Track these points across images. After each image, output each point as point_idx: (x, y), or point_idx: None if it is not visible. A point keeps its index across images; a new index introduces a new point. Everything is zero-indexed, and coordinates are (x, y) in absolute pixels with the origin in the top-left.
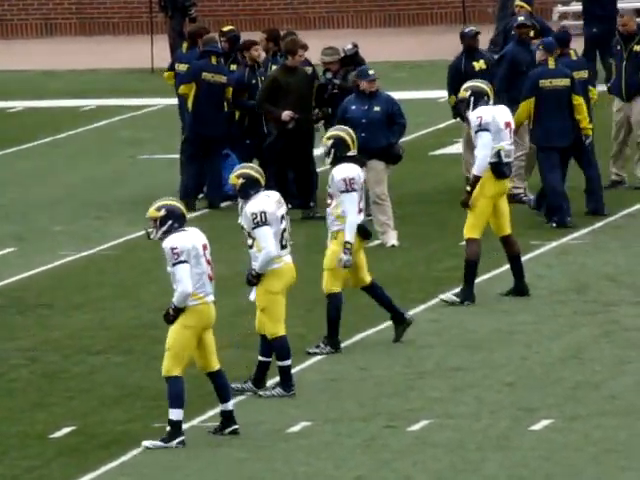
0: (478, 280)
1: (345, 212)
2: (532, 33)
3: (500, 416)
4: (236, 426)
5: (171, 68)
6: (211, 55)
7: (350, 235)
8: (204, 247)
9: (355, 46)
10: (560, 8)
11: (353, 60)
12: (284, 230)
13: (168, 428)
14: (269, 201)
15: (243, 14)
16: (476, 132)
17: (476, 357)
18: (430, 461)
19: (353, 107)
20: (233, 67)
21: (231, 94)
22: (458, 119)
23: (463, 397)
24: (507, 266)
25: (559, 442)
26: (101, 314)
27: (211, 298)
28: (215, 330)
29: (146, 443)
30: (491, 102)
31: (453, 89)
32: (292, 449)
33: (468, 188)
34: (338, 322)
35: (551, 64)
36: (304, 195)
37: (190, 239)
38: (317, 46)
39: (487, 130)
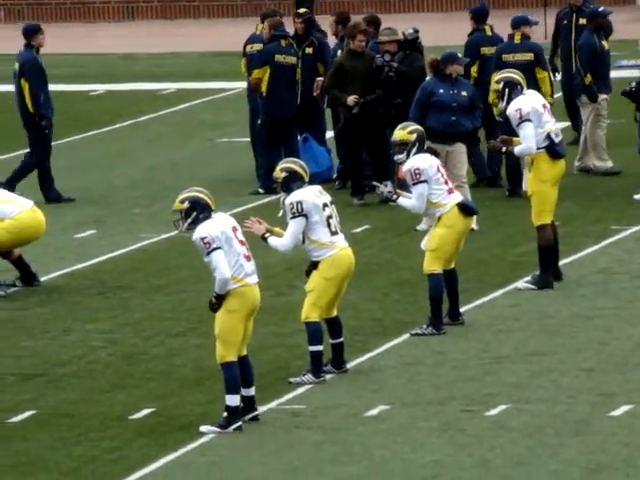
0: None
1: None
2: (585, 21)
3: (578, 401)
4: (257, 412)
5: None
6: (280, 38)
7: (408, 203)
8: (234, 229)
9: (416, 31)
10: None
11: (412, 45)
12: (329, 217)
13: (225, 414)
14: (308, 191)
15: None
16: (518, 125)
17: (554, 342)
18: (507, 446)
19: (441, 90)
20: (308, 50)
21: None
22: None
23: (541, 382)
24: (587, 250)
25: (639, 427)
26: (181, 296)
27: (253, 279)
28: (291, 314)
29: (203, 428)
30: (525, 90)
31: (589, 68)
32: (369, 432)
33: (504, 149)
34: (440, 303)
35: (517, 39)
36: (380, 177)
37: (218, 225)
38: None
39: (529, 120)
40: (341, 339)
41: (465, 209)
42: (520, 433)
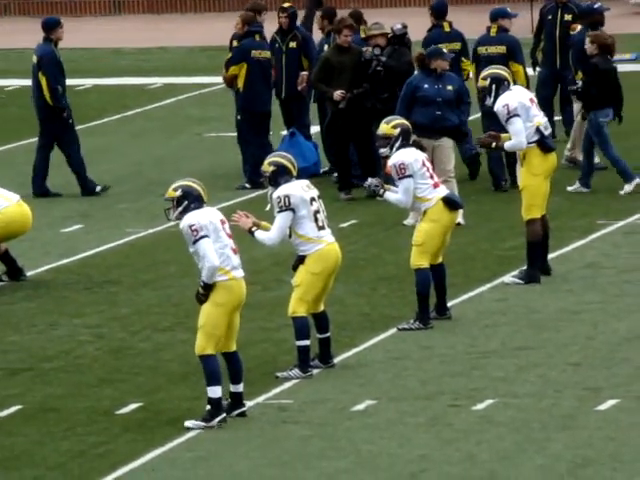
0: None
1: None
2: (570, 17)
3: (565, 396)
4: (244, 408)
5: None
6: (255, 34)
7: (394, 197)
8: (222, 222)
9: (405, 26)
10: None
11: (401, 40)
12: (317, 212)
13: (208, 407)
14: (295, 185)
15: None
16: (507, 120)
17: (541, 336)
18: (494, 440)
19: (426, 85)
20: (292, 44)
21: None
22: None
23: (528, 376)
24: (574, 245)
25: (625, 422)
26: (168, 291)
27: (240, 273)
28: (278, 309)
29: (188, 423)
30: (511, 86)
31: (581, 65)
32: (356, 427)
33: (493, 144)
34: (427, 298)
35: (493, 32)
36: (368, 173)
37: (206, 215)
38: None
39: (517, 115)
40: (328, 334)
41: (450, 203)
42: (507, 427)
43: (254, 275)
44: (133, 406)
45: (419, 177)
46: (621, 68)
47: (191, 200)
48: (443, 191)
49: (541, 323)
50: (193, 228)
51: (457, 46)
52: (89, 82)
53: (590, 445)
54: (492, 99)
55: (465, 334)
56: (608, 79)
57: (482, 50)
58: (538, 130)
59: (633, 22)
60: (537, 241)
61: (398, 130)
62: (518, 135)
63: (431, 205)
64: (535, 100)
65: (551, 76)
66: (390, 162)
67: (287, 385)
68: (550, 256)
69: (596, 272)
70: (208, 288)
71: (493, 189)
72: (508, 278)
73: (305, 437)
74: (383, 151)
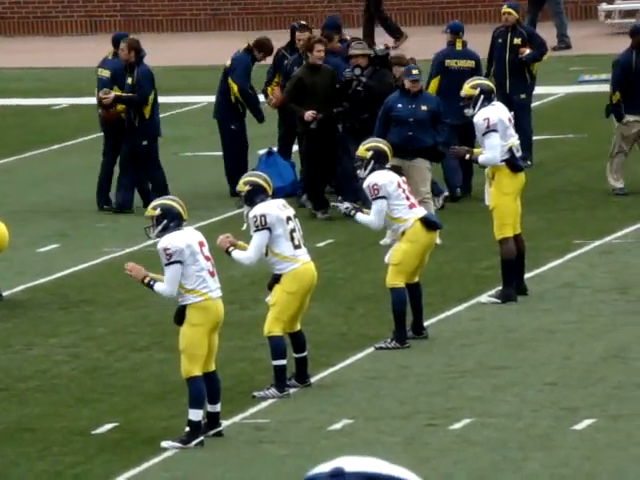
0: None
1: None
2: (520, 41)
3: (542, 415)
4: (220, 428)
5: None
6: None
7: (366, 219)
8: (200, 244)
9: (387, 48)
10: (605, 6)
11: (383, 61)
12: (293, 230)
13: (187, 429)
14: (271, 205)
15: (286, 12)
16: (484, 134)
17: (518, 356)
18: (471, 460)
19: (399, 105)
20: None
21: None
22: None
23: (504, 396)
24: (550, 264)
25: (602, 441)
26: (144, 311)
27: (217, 294)
28: (256, 328)
29: (164, 444)
30: (494, 100)
31: (620, 86)
32: (333, 447)
33: (467, 156)
34: (404, 317)
35: (458, 46)
36: (339, 193)
37: (184, 238)
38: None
39: (495, 131)
40: (304, 353)
41: (428, 224)
42: (483, 447)
43: (231, 294)
44: (109, 426)
45: (394, 198)
46: (598, 88)
47: (170, 219)
48: (421, 212)
49: (517, 342)
50: (167, 252)
51: (470, 64)
52: (65, 102)
53: (567, 464)
54: (476, 110)
55: (442, 353)
56: None
57: (452, 63)
58: (510, 150)
59: (609, 42)
60: (511, 259)
61: (370, 153)
62: (493, 150)
63: (409, 226)
64: (512, 120)
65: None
66: (364, 184)
67: (264, 405)
68: (526, 276)
69: (572, 292)
70: (149, 287)
71: (450, 198)
72: (485, 297)
73: (282, 456)
74: (359, 172)
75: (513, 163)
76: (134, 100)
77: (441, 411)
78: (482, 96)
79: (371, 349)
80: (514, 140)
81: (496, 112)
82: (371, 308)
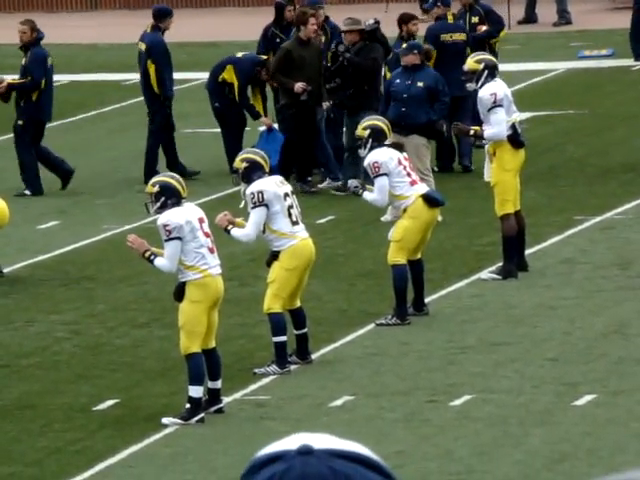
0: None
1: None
2: (477, 19)
3: (542, 391)
4: (222, 404)
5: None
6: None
7: (370, 197)
8: (200, 220)
9: (376, 22)
10: None
11: (373, 36)
12: (290, 207)
13: (187, 405)
14: (269, 181)
15: None
16: (490, 109)
17: (518, 332)
18: (472, 436)
19: (397, 81)
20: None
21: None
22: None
23: (505, 372)
24: (551, 240)
25: (602, 417)
26: (145, 287)
27: (217, 270)
28: (255, 305)
29: (165, 420)
30: (497, 76)
31: None
32: (333, 423)
33: (472, 132)
34: (405, 293)
35: (450, 19)
36: (315, 166)
37: (184, 214)
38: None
39: (501, 106)
40: (305, 330)
41: (430, 200)
42: (484, 423)
43: (231, 271)
44: (110, 402)
45: (395, 175)
46: (598, 63)
47: (168, 196)
48: (422, 188)
49: (518, 319)
50: (166, 228)
51: (462, 37)
52: (65, 78)
53: (567, 440)
54: (479, 85)
55: (442, 330)
56: None
57: (447, 37)
58: (513, 126)
59: (609, 17)
60: (512, 236)
61: (367, 132)
62: (500, 124)
63: (410, 203)
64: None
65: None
66: (365, 162)
67: (265, 381)
68: (527, 252)
69: (573, 268)
70: (149, 261)
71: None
72: (485, 274)
73: (283, 433)
74: (360, 152)
75: (515, 139)
76: (26, 86)
77: (442, 387)
78: (486, 71)
79: (372, 325)
80: (516, 116)
81: (502, 87)
82: (372, 284)
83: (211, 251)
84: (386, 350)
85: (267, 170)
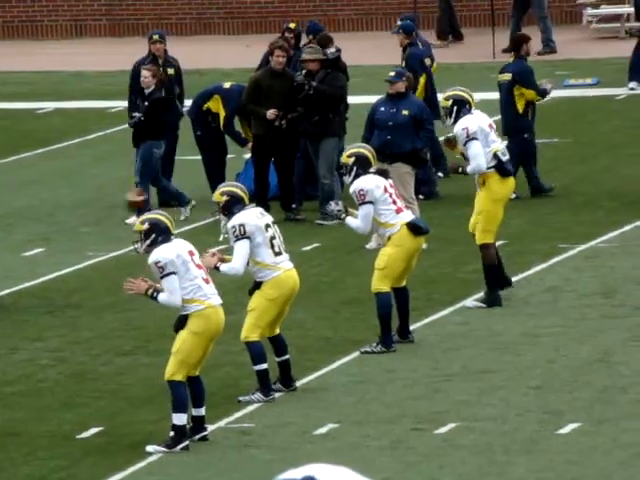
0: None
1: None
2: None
3: (527, 419)
4: (206, 432)
5: None
6: None
7: (354, 224)
8: (190, 253)
9: (338, 50)
10: (590, 11)
11: (334, 64)
12: (272, 238)
13: (172, 433)
14: (249, 214)
15: (272, 16)
16: (465, 143)
17: (503, 360)
18: (457, 464)
19: (382, 109)
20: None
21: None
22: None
23: (490, 400)
24: (535, 269)
25: (587, 446)
26: (129, 315)
27: (217, 300)
28: (241, 332)
29: (149, 448)
30: (473, 110)
31: None
32: (318, 451)
33: (460, 169)
34: (389, 321)
35: (420, 45)
36: (287, 197)
37: (173, 249)
38: (345, 49)
39: (475, 139)
40: (287, 356)
41: (414, 229)
42: (469, 451)
43: None
44: (94, 430)
45: (381, 203)
46: (583, 92)
47: (159, 233)
48: (408, 216)
49: (503, 346)
50: (159, 265)
51: (429, 62)
52: (51, 105)
53: (551, 469)
54: (451, 120)
55: (427, 357)
56: None
57: (428, 62)
58: (495, 156)
59: (594, 47)
60: (493, 264)
61: (352, 159)
62: (476, 158)
63: (395, 231)
64: (494, 126)
65: None
66: (350, 190)
67: (249, 409)
68: (511, 279)
69: (557, 296)
70: (152, 298)
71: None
72: (470, 302)
73: (267, 461)
74: (344, 178)
75: (501, 168)
76: None
77: (427, 415)
78: (455, 107)
79: (356, 353)
80: (497, 145)
81: (474, 120)
82: (356, 312)
83: (206, 282)
84: (371, 378)
85: (247, 202)
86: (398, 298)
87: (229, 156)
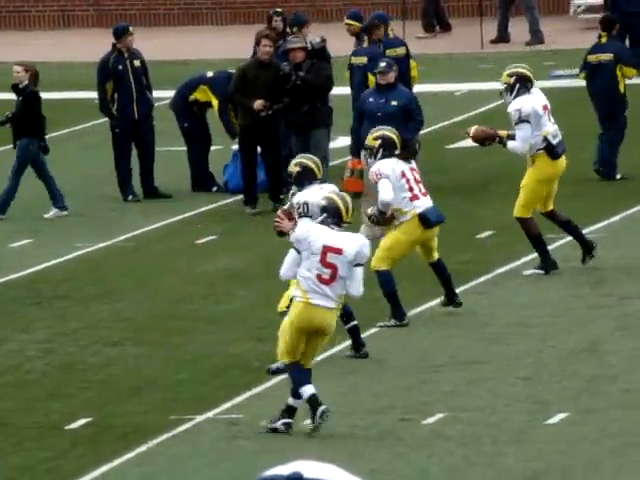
0: (493, 274)
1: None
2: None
3: (515, 409)
4: (323, 407)
5: None
6: None
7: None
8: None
9: (323, 40)
10: (576, 1)
11: (320, 54)
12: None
13: (309, 408)
14: (318, 193)
15: (260, 6)
16: (516, 124)
17: (491, 350)
18: (445, 454)
19: (371, 99)
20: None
21: None
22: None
23: (478, 390)
24: (524, 259)
25: (575, 435)
26: (118, 305)
27: (315, 300)
28: (230, 322)
29: (275, 424)
30: (533, 88)
31: None
32: (306, 442)
33: (497, 138)
34: (395, 294)
35: (391, 34)
36: (275, 187)
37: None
38: (333, 38)
39: (527, 122)
40: (354, 322)
41: (425, 221)
42: (457, 442)
43: (207, 288)
44: (82, 421)
45: (397, 189)
46: (570, 83)
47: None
48: (421, 205)
49: (491, 337)
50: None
51: (402, 51)
52: None
53: (540, 459)
54: (512, 96)
55: (416, 348)
56: None
57: (392, 53)
58: (545, 139)
59: (582, 37)
60: (536, 234)
61: (379, 142)
62: (524, 141)
63: (406, 219)
64: (549, 107)
65: None
66: (370, 170)
67: (238, 400)
68: (499, 270)
69: (546, 286)
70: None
71: None
72: (528, 271)
73: (255, 452)
74: (369, 161)
75: (550, 151)
76: None
77: (415, 405)
78: (518, 84)
79: (345, 344)
80: (548, 128)
81: (530, 102)
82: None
83: (321, 280)
84: (360, 368)
85: (319, 176)
86: (438, 271)
87: (216, 147)
